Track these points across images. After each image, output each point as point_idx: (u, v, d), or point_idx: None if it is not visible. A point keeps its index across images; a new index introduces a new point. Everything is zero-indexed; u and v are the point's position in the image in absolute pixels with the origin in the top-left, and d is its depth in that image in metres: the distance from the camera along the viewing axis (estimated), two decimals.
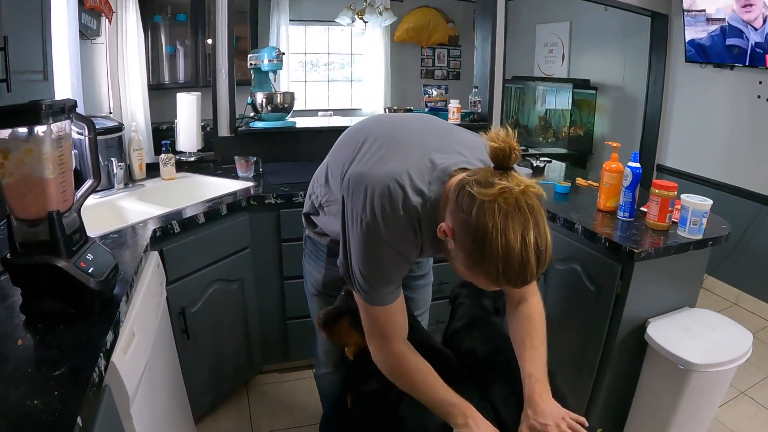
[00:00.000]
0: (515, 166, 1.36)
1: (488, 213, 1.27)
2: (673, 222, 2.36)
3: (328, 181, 1.78)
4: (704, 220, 2.27)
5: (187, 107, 3.24)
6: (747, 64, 3.84)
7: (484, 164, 1.48)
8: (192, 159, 3.38)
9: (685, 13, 4.23)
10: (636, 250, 2.15)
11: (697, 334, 2.29)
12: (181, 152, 3.33)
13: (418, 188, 1.47)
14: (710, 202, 2.27)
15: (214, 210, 2.56)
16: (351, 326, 1.78)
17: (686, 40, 4.29)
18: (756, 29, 3.68)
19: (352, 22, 5.89)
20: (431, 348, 1.80)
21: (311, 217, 1.94)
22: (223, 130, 3.51)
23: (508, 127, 1.34)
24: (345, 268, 1.60)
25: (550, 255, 1.34)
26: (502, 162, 1.33)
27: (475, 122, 4.04)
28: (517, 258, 1.27)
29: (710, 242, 2.32)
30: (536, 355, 1.65)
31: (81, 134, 1.67)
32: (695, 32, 4.20)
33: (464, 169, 1.48)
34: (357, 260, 1.52)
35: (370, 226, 1.46)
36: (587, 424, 1.55)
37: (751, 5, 3.66)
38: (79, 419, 1.03)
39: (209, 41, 3.42)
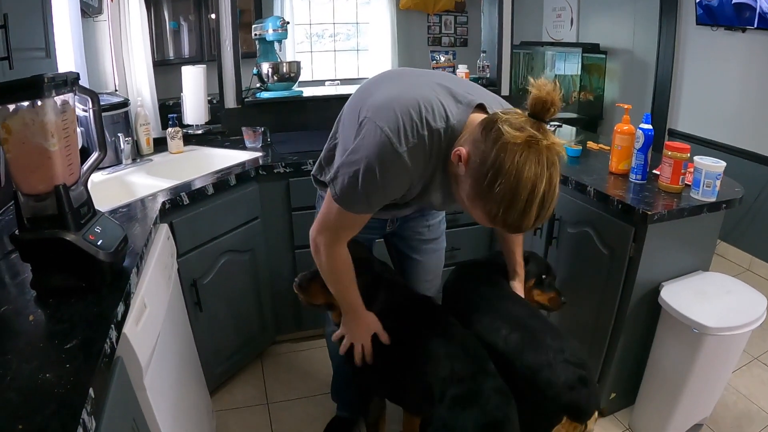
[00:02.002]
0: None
1: (509, 153, 1.29)
2: (686, 185, 2.34)
3: (338, 133, 1.81)
4: (717, 183, 2.25)
5: (193, 80, 3.22)
6: (758, 26, 3.78)
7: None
8: (199, 132, 3.37)
9: None
10: (649, 213, 2.13)
11: (711, 298, 2.27)
12: (189, 125, 3.32)
13: (443, 114, 1.49)
14: (724, 164, 2.25)
15: (222, 181, 2.56)
16: (323, 287, 1.88)
17: (697, 1, 4.22)
18: None
19: None
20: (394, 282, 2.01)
21: (317, 177, 1.97)
22: (230, 102, 3.50)
23: (557, 83, 1.35)
24: (330, 165, 1.74)
25: (551, 213, 1.37)
26: (539, 112, 1.34)
27: (485, 87, 3.98)
28: (521, 203, 1.30)
29: (724, 205, 2.30)
30: (516, 255, 2.04)
31: (85, 110, 1.66)
32: None
33: (482, 107, 1.54)
34: (357, 165, 1.52)
35: (392, 137, 1.46)
36: None
37: None
38: (91, 390, 1.03)
39: (212, 16, 3.39)
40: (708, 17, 4.20)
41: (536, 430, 1.65)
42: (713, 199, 2.26)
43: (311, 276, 1.92)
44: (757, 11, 3.71)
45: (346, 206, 1.59)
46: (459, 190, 1.47)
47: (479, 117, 1.47)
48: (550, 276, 2.17)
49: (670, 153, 2.28)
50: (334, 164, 1.79)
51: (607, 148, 2.83)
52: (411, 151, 1.47)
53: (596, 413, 1.68)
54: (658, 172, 2.40)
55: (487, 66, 4.06)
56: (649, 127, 2.40)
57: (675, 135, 4.85)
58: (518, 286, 2.07)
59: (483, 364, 1.67)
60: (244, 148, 3.16)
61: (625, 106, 2.56)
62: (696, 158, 2.27)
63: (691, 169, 2.31)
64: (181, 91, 3.26)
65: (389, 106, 1.50)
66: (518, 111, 1.40)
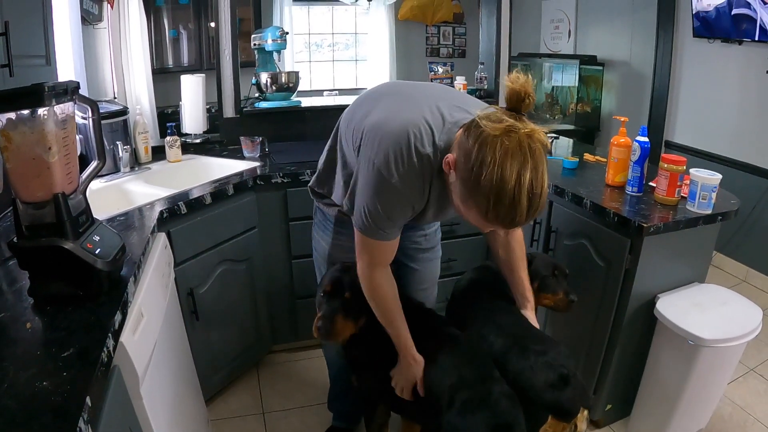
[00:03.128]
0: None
1: (490, 145, 1.32)
2: (682, 197, 2.35)
3: (336, 146, 1.84)
4: (713, 195, 2.26)
5: (192, 89, 3.23)
6: (756, 39, 3.80)
7: None
8: (198, 141, 3.37)
9: None
10: (645, 225, 2.14)
11: (706, 310, 2.28)
12: (187, 134, 3.33)
13: (430, 138, 1.54)
14: (719, 176, 2.26)
15: (220, 190, 2.56)
16: (344, 322, 1.84)
17: (693, 14, 4.24)
18: (765, 3, 3.63)
19: (356, 1, 5.84)
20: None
21: (315, 189, 2.01)
22: (228, 111, 3.51)
23: (529, 75, 1.39)
24: (350, 205, 1.74)
25: (543, 203, 1.37)
26: (515, 104, 1.38)
27: (482, 99, 4.00)
28: (509, 194, 1.31)
29: (719, 217, 2.31)
30: (523, 280, 2.01)
31: (85, 118, 1.66)
32: (702, 5, 4.15)
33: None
34: (363, 198, 1.61)
35: (382, 171, 1.53)
36: None
37: None
38: (88, 399, 1.03)
39: (212, 24, 3.40)
40: (705, 30, 4.22)
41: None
42: (709, 212, 2.27)
43: (330, 316, 1.84)
44: (758, 23, 3.72)
45: (368, 235, 1.67)
46: (453, 197, 1.50)
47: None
48: (559, 274, 2.15)
49: (666, 165, 2.29)
50: (336, 179, 1.86)
51: (604, 160, 2.84)
52: (403, 179, 1.53)
53: (585, 411, 1.72)
54: (654, 185, 2.41)
55: (485, 77, 4.07)
56: (646, 139, 2.41)
57: (671, 147, 4.86)
58: (530, 315, 2.03)
59: (489, 371, 1.70)
60: (242, 157, 3.16)
61: (622, 119, 2.57)
62: (692, 171, 2.28)
63: (687, 182, 2.32)
64: (180, 100, 3.27)
65: (380, 136, 1.57)
66: (497, 107, 1.43)
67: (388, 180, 1.53)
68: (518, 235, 1.99)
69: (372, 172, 1.56)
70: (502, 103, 3.90)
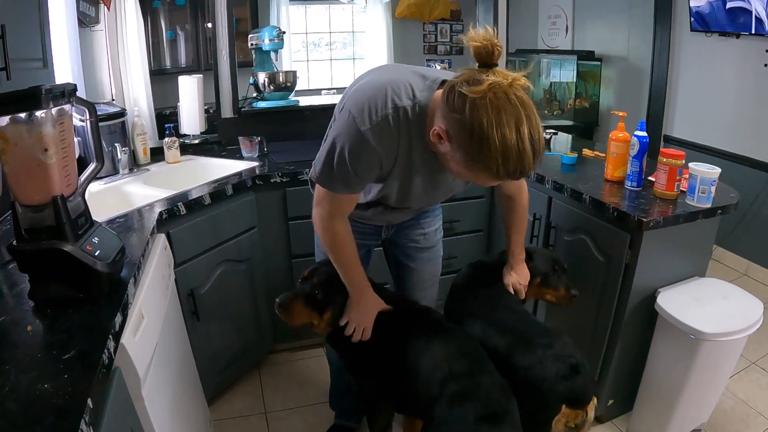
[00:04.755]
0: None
1: (481, 109, 1.32)
2: (681, 191, 2.35)
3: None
4: (713, 189, 2.25)
5: (190, 90, 3.23)
6: (753, 32, 3.79)
7: None
8: (196, 141, 3.37)
9: None
10: (645, 219, 2.14)
11: (707, 304, 2.28)
12: (185, 135, 3.33)
13: (409, 93, 1.55)
14: (718, 170, 2.26)
15: (219, 191, 2.56)
16: (306, 306, 1.91)
17: (690, 8, 4.24)
18: None
19: None
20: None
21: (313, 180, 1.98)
22: (227, 112, 3.50)
23: (488, 27, 1.40)
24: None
25: (543, 145, 1.39)
26: (486, 59, 1.39)
27: None
28: (514, 149, 1.32)
29: (719, 211, 2.31)
30: (520, 238, 2.09)
31: (83, 120, 1.66)
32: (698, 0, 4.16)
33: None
34: (330, 147, 1.61)
35: (356, 118, 1.54)
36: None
37: None
38: (89, 401, 1.03)
39: (209, 25, 3.40)
40: (702, 24, 4.22)
41: (541, 425, 1.71)
42: (709, 205, 2.27)
43: (293, 295, 1.93)
44: (753, 15, 3.72)
45: (327, 187, 1.67)
46: (452, 165, 1.50)
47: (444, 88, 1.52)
48: (559, 270, 2.18)
49: (665, 160, 2.29)
50: None
51: (603, 155, 2.84)
52: (374, 129, 1.53)
53: (594, 399, 1.73)
54: (653, 179, 2.41)
55: (446, 73, 4.06)
56: (644, 134, 2.41)
57: (670, 141, 4.86)
58: (506, 274, 2.11)
59: (481, 363, 1.70)
60: (240, 157, 3.16)
61: (621, 114, 2.57)
62: (691, 165, 2.28)
63: (687, 176, 2.32)
64: (178, 101, 3.27)
65: (360, 91, 1.59)
66: (469, 68, 1.42)
67: (358, 128, 1.53)
68: (522, 204, 2.06)
69: (345, 121, 1.56)
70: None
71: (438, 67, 5.13)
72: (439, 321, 1.90)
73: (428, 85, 1.56)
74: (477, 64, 1.40)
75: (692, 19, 4.28)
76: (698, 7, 4.14)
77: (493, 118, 1.30)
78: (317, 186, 1.73)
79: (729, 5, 3.87)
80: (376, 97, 1.54)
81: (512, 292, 2.09)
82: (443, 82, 1.57)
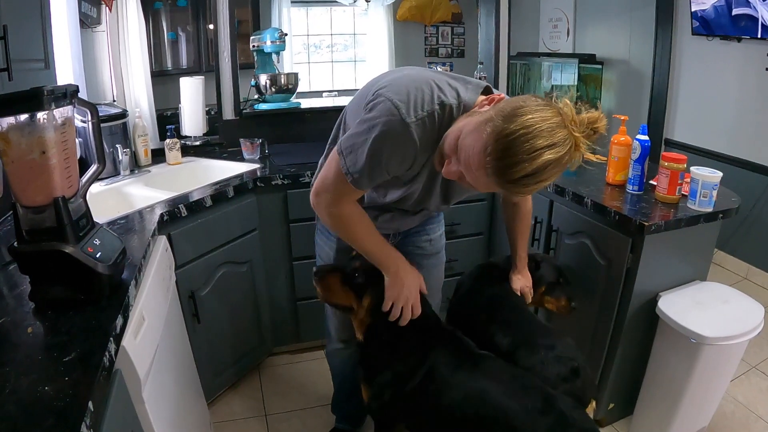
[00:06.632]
0: None
1: (536, 115, 1.28)
2: (682, 195, 2.34)
3: (339, 136, 1.77)
4: (714, 193, 2.25)
5: (191, 91, 3.23)
6: (757, 36, 3.79)
7: None
8: (197, 143, 3.37)
9: None
10: (646, 223, 2.14)
11: (708, 308, 2.28)
12: (186, 137, 3.32)
13: (452, 92, 1.50)
14: (720, 174, 2.25)
15: (220, 193, 2.56)
16: (343, 284, 1.82)
17: (692, 12, 4.24)
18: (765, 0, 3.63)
19: (354, 1, 5.85)
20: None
21: None
22: (228, 113, 3.50)
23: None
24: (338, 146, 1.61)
25: (553, 180, 1.35)
26: (586, 127, 1.35)
27: None
28: (537, 163, 1.27)
29: (720, 215, 2.30)
30: (525, 243, 2.11)
31: (84, 121, 1.66)
32: (700, 4, 4.15)
33: (489, 90, 1.56)
34: (362, 136, 1.51)
35: (400, 108, 1.45)
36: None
37: None
38: (90, 404, 1.03)
39: (211, 26, 3.40)
40: (703, 27, 4.22)
41: None
42: (710, 209, 2.26)
43: (331, 268, 1.87)
44: (759, 21, 3.71)
45: (351, 174, 1.55)
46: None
47: (486, 98, 1.50)
48: (563, 281, 2.21)
49: (666, 164, 2.28)
50: None
51: (604, 159, 2.83)
52: (419, 123, 1.46)
53: (593, 402, 1.75)
54: (655, 183, 2.41)
55: (484, 77, 4.06)
56: (646, 138, 2.41)
57: (671, 145, 4.86)
58: (515, 279, 2.10)
59: (550, 400, 1.62)
60: (242, 159, 3.16)
61: (622, 118, 2.57)
62: (692, 169, 2.27)
63: (688, 180, 2.32)
64: (179, 102, 3.27)
65: (401, 82, 1.51)
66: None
67: (403, 119, 1.45)
68: (526, 209, 2.08)
69: (386, 110, 1.46)
70: None
71: (439, 70, 5.14)
72: (479, 354, 1.79)
73: (472, 88, 1.53)
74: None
75: (694, 22, 4.28)
76: (703, 11, 4.14)
77: (539, 128, 1.26)
78: (327, 171, 1.63)
79: (735, 12, 3.87)
80: (422, 89, 1.48)
81: (519, 294, 2.10)
82: (487, 87, 1.56)
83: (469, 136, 1.36)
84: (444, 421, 1.72)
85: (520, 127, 1.26)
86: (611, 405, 2.57)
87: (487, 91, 1.56)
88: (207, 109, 3.36)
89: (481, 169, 1.33)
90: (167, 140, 3.05)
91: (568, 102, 1.35)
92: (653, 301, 2.34)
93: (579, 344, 2.46)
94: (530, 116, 1.27)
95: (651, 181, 2.48)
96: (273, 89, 3.57)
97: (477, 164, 1.33)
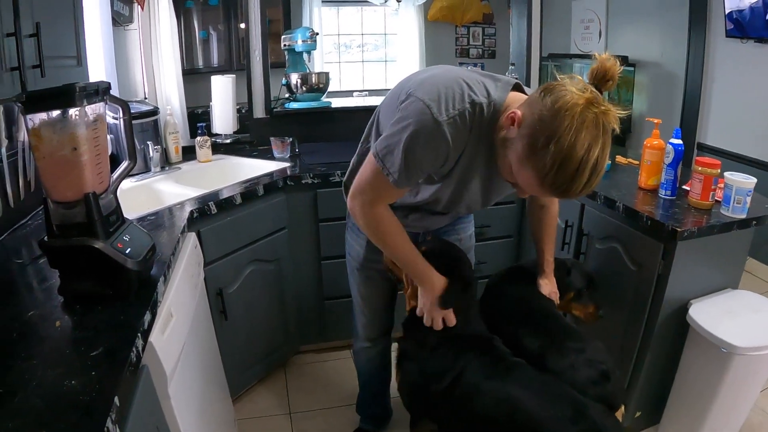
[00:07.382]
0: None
1: (570, 113, 1.29)
2: (716, 201, 2.30)
3: (371, 135, 1.81)
4: (748, 199, 2.21)
5: (222, 89, 3.25)
6: None
7: None
8: (228, 141, 3.39)
9: None
10: (679, 229, 2.10)
11: (739, 317, 2.23)
12: (217, 134, 3.35)
13: (483, 91, 1.51)
14: (754, 180, 2.21)
15: (250, 191, 2.57)
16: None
17: (726, 14, 4.18)
18: None
19: (385, 1, 5.84)
20: None
21: (349, 185, 1.92)
22: (258, 112, 3.52)
23: (617, 61, 1.40)
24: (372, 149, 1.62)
25: (599, 180, 1.37)
26: (599, 81, 1.39)
27: None
28: (574, 163, 1.30)
29: (754, 222, 2.26)
30: (551, 246, 2.08)
31: (116, 118, 1.67)
32: (735, 4, 4.08)
33: (520, 87, 1.59)
34: (398, 136, 1.52)
35: (432, 108, 1.47)
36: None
37: None
38: (116, 399, 1.04)
39: (242, 25, 3.42)
40: (738, 30, 4.15)
41: None
42: (743, 216, 2.22)
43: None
44: None
45: (391, 173, 1.56)
46: (507, 154, 1.45)
47: (518, 95, 1.51)
48: (592, 288, 2.18)
49: (700, 168, 2.25)
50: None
51: (636, 162, 2.80)
52: (451, 122, 1.47)
53: (623, 407, 1.74)
54: (688, 188, 2.37)
55: (516, 78, 4.03)
56: (680, 142, 2.37)
57: (704, 149, 4.78)
58: (542, 284, 2.08)
59: (581, 408, 1.60)
60: (272, 158, 3.17)
61: (656, 121, 2.53)
62: (727, 174, 2.23)
63: (722, 185, 2.28)
64: (210, 100, 3.29)
65: (431, 82, 1.52)
66: (578, 77, 1.40)
67: (435, 118, 1.46)
68: (554, 212, 2.06)
69: (418, 110, 1.48)
70: None
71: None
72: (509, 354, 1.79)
73: (502, 86, 1.54)
74: (588, 80, 1.40)
75: (728, 24, 4.21)
76: (739, 12, 4.07)
77: (576, 124, 1.28)
78: (361, 175, 1.65)
79: None
80: (453, 89, 1.48)
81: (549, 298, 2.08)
82: (517, 84, 1.57)
83: (520, 173, 1.42)
84: (473, 425, 1.71)
85: (560, 154, 1.30)
86: (638, 413, 2.53)
87: (517, 88, 1.57)
88: (237, 107, 3.38)
89: (547, 195, 1.44)
90: (198, 138, 3.07)
91: (576, 80, 1.39)
92: (684, 308, 2.30)
93: (607, 350, 2.44)
94: (565, 138, 1.29)
95: (684, 186, 2.44)
96: (304, 88, 3.57)
97: (540, 193, 1.45)
